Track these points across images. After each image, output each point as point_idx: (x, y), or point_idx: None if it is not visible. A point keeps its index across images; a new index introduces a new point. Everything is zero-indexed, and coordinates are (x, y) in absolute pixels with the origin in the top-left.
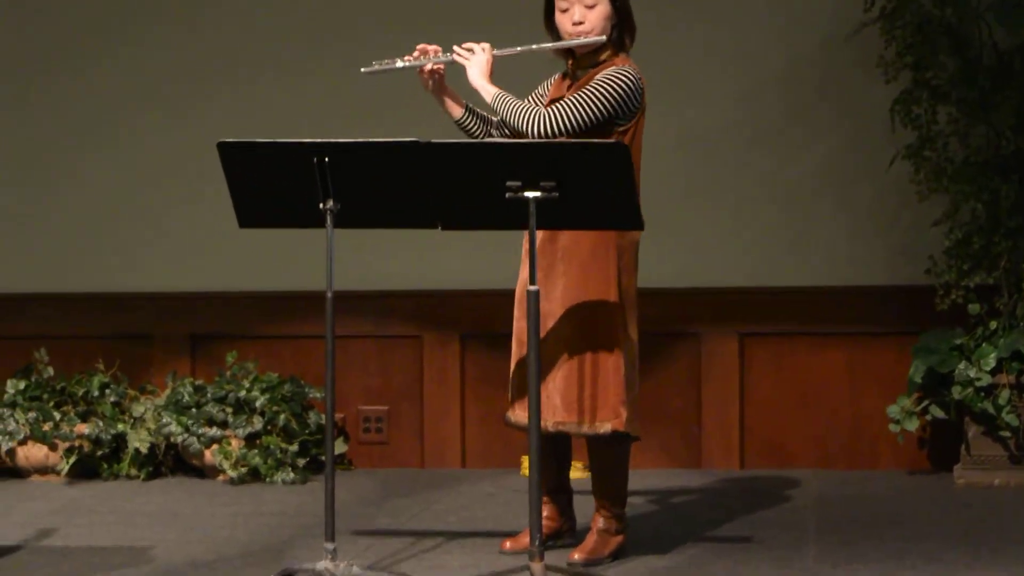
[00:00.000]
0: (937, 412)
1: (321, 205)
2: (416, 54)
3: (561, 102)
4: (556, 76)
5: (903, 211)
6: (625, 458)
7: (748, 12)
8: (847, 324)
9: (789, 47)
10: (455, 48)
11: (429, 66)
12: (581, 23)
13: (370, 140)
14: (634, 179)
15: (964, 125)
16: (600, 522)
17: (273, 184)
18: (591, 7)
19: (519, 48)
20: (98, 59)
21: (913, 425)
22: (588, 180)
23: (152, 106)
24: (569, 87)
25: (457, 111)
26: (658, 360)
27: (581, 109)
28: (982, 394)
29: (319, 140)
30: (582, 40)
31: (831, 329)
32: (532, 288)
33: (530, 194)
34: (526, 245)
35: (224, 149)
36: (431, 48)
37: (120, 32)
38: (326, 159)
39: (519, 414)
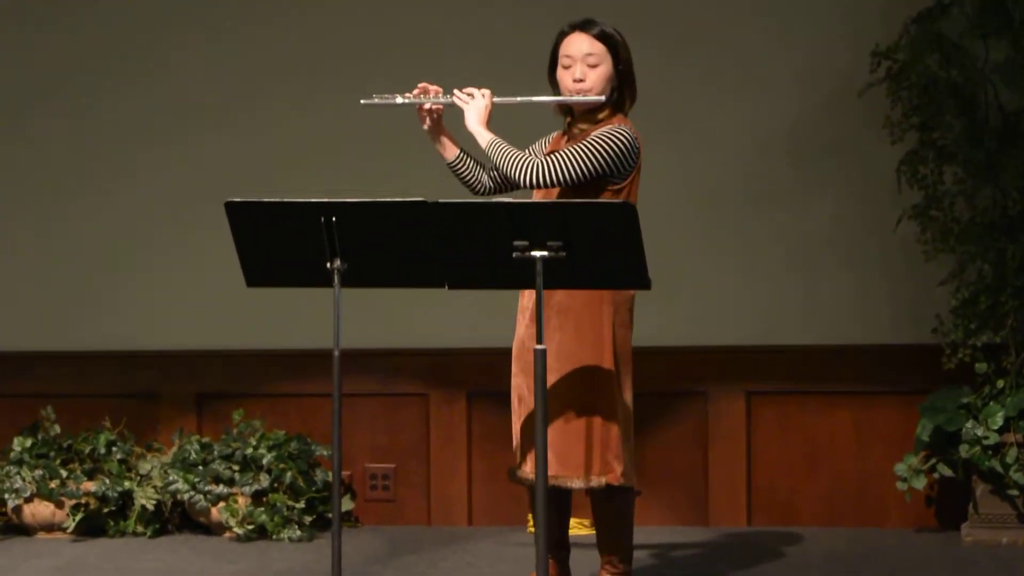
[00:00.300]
0: (945, 470)
1: (328, 264)
2: (416, 92)
3: (555, 154)
4: (555, 134)
5: (910, 270)
6: (628, 512)
7: (756, 69)
8: (854, 383)
9: (797, 105)
10: (455, 91)
11: (428, 105)
12: (582, 80)
13: (377, 200)
14: (641, 239)
15: (970, 185)
16: None
17: (280, 243)
18: (593, 67)
19: (519, 98)
20: (99, 108)
21: (921, 483)
22: (596, 240)
23: (159, 162)
24: (566, 144)
25: (451, 153)
26: (665, 418)
27: (574, 163)
28: (990, 452)
29: (326, 200)
30: (581, 99)
31: (838, 388)
32: (539, 347)
33: (537, 254)
34: (522, 302)
35: (231, 208)
36: (432, 88)
37: (116, 73)
38: (333, 218)
39: (523, 469)
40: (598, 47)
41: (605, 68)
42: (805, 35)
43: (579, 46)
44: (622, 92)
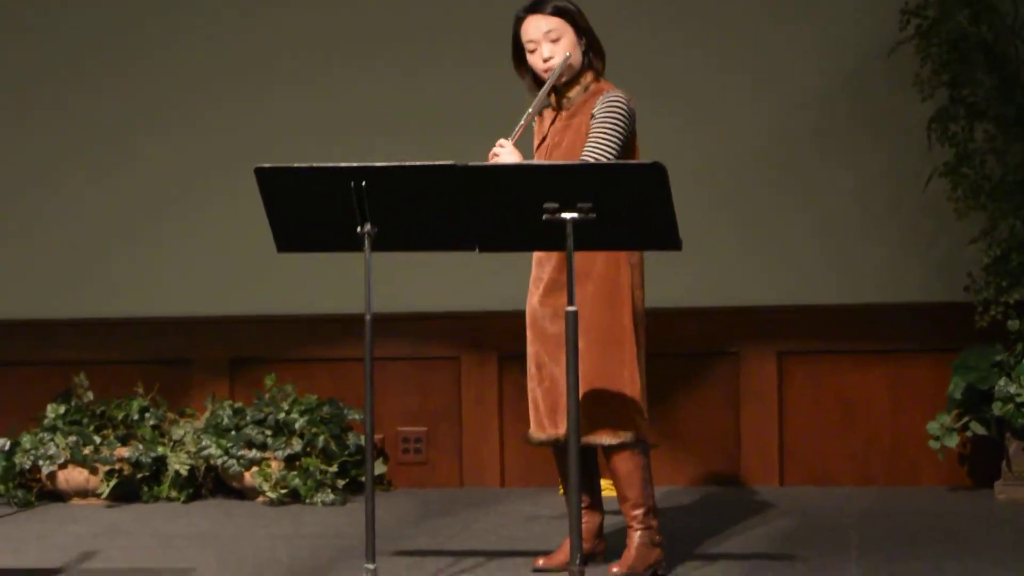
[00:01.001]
0: (977, 428)
1: (359, 229)
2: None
3: (585, 151)
4: (540, 116)
5: (941, 228)
6: (647, 466)
7: (789, 29)
8: (886, 342)
9: (826, 65)
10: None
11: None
12: (551, 57)
13: (407, 164)
14: (671, 199)
15: (1001, 142)
16: (636, 536)
17: (310, 208)
18: (556, 41)
19: (522, 121)
20: (127, 75)
21: (953, 442)
22: (626, 201)
23: (190, 126)
24: (554, 120)
25: None
26: (697, 378)
27: (607, 149)
28: (1023, 410)
29: (356, 164)
30: (557, 69)
31: (870, 347)
32: (571, 309)
33: (567, 215)
34: (534, 272)
35: (261, 174)
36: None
37: (131, 42)
38: (363, 183)
39: (548, 431)
40: (555, 21)
41: (568, 38)
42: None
43: (537, 26)
44: (591, 55)
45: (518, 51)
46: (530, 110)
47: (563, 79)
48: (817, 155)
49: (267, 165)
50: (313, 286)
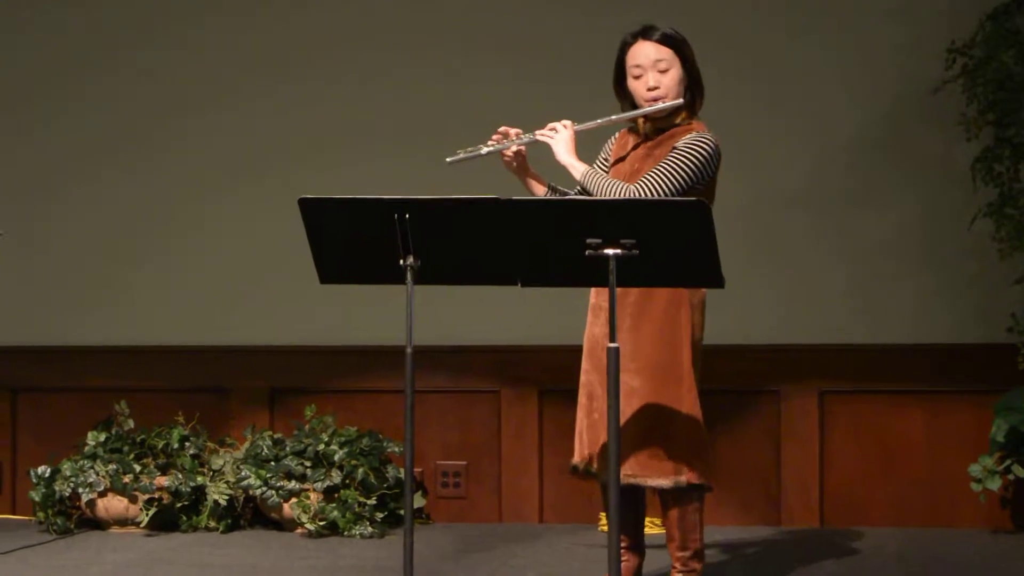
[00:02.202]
0: (1020, 471)
1: (401, 261)
2: (497, 137)
3: (648, 177)
4: (618, 133)
5: (985, 269)
6: (700, 511)
7: (837, 69)
8: (927, 382)
9: (872, 105)
10: (537, 131)
11: (513, 149)
12: (656, 88)
13: (451, 197)
14: (714, 237)
15: None
16: None
17: (354, 240)
18: (664, 72)
19: (600, 120)
20: (165, 74)
21: (995, 484)
22: (668, 238)
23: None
24: (635, 145)
25: (540, 190)
26: (738, 417)
27: (668, 181)
28: None
29: (400, 197)
30: (660, 106)
31: (911, 387)
32: (612, 345)
33: (610, 251)
34: (593, 299)
35: (305, 205)
36: (512, 131)
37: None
38: (407, 215)
39: (585, 462)
40: (665, 52)
41: (676, 71)
42: (869, 39)
43: (647, 54)
44: (693, 93)
45: (620, 74)
46: (613, 116)
47: (659, 114)
48: (857, 195)
49: (311, 196)
50: (355, 317)
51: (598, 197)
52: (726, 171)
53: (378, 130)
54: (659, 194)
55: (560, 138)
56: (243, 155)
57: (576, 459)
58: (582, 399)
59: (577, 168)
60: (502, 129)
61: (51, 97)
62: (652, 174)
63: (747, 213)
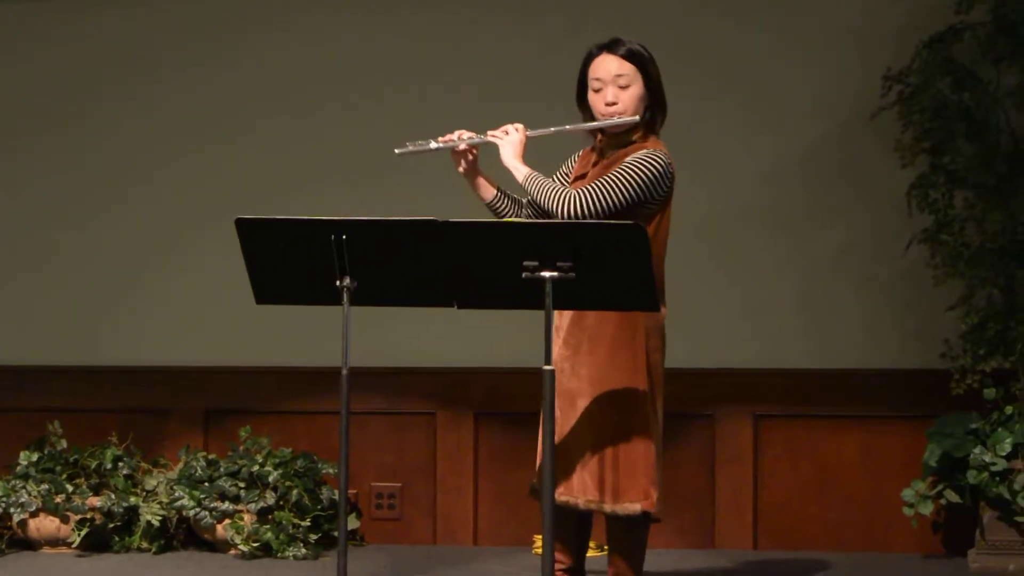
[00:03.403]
0: (952, 497)
1: (338, 282)
2: (448, 136)
3: (591, 185)
4: (582, 151)
5: (919, 295)
6: (644, 539)
7: (769, 95)
8: (862, 407)
9: (809, 130)
10: (489, 131)
11: (462, 147)
12: (614, 103)
13: (388, 219)
14: (651, 261)
15: (981, 210)
16: None
17: (290, 260)
18: (624, 88)
19: (552, 128)
20: (108, 123)
21: (928, 509)
22: (605, 261)
23: (169, 177)
24: (595, 163)
25: (489, 193)
26: (673, 440)
27: (611, 192)
28: (997, 479)
29: (337, 218)
30: (615, 120)
31: (846, 412)
32: (547, 368)
33: (547, 274)
34: (557, 320)
35: (242, 225)
36: (465, 133)
37: (120, 87)
38: (343, 236)
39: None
40: (627, 67)
41: (636, 88)
42: (818, 60)
43: (608, 68)
44: (653, 111)
45: (582, 87)
46: (567, 126)
47: (615, 130)
48: (799, 219)
49: (248, 216)
50: (291, 338)
51: (538, 200)
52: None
53: (362, 159)
54: (600, 203)
55: (509, 140)
56: (203, 192)
57: (536, 480)
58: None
59: (520, 171)
60: (456, 133)
61: None
62: (595, 184)
63: (688, 233)
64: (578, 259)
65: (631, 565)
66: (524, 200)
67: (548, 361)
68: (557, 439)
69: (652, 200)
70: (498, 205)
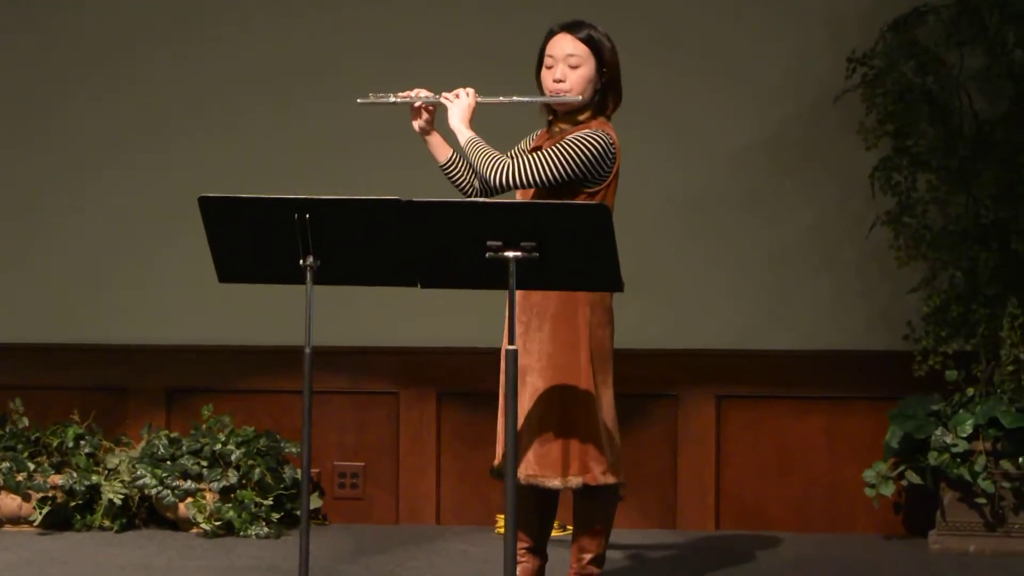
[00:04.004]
0: (913, 478)
1: (301, 261)
2: (407, 92)
3: (528, 156)
4: (540, 131)
5: (883, 277)
6: (609, 515)
7: (735, 74)
8: (825, 388)
9: (775, 111)
10: (443, 92)
11: (418, 104)
12: (561, 81)
13: (351, 198)
14: (614, 241)
15: (944, 193)
16: None
17: (254, 239)
18: (574, 68)
19: (502, 98)
20: (70, 106)
21: (889, 490)
22: (569, 241)
23: (129, 154)
24: (546, 145)
25: (443, 155)
26: (635, 421)
27: (547, 165)
28: (958, 460)
29: (300, 196)
30: (559, 98)
31: (809, 393)
32: (510, 348)
33: (510, 254)
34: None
35: (205, 203)
36: (423, 92)
37: (99, 75)
38: (307, 215)
39: (497, 464)
40: (581, 48)
41: (586, 70)
42: (785, 41)
43: (562, 47)
44: (605, 96)
45: (540, 62)
46: (515, 97)
47: (563, 108)
48: (764, 201)
49: (211, 195)
50: (254, 317)
51: (475, 166)
52: (628, 174)
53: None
54: (535, 175)
55: (458, 104)
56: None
57: (496, 462)
58: (500, 402)
59: (464, 134)
60: (415, 90)
61: None
62: (536, 155)
63: (653, 214)
64: (542, 239)
65: (593, 540)
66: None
67: (512, 341)
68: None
69: (589, 179)
70: (451, 169)
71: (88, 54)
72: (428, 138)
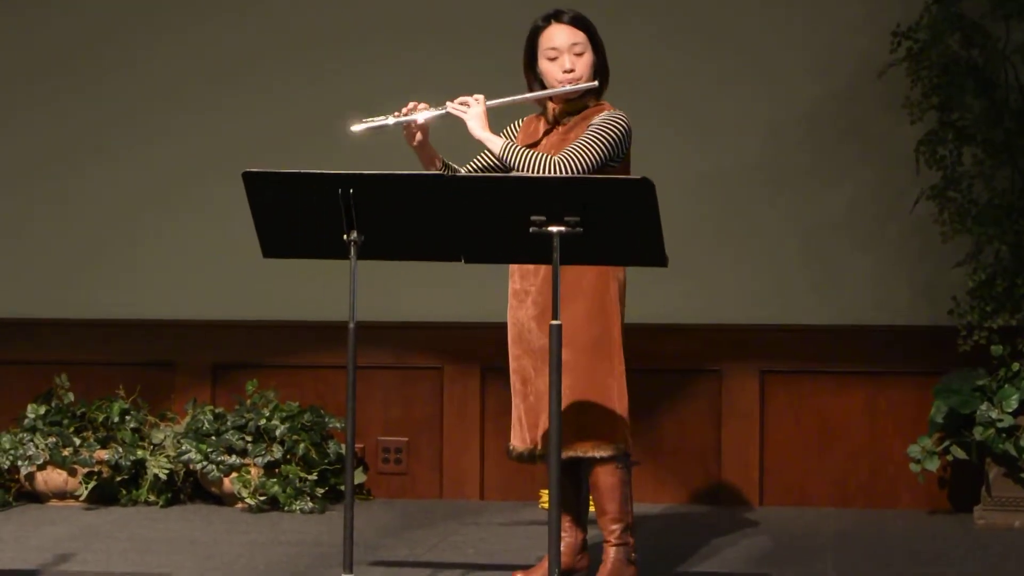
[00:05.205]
0: (958, 453)
1: (345, 236)
2: (406, 110)
3: (569, 149)
4: (525, 119)
5: (927, 251)
6: (628, 482)
7: (776, 51)
8: (869, 363)
9: (816, 86)
10: (449, 103)
11: (421, 120)
12: (572, 71)
13: (396, 173)
14: (659, 216)
15: (989, 167)
16: (612, 552)
17: (298, 214)
18: (580, 55)
19: (511, 98)
20: (117, 76)
21: (934, 465)
22: (613, 216)
23: (181, 130)
24: (548, 131)
25: (435, 165)
26: (679, 396)
27: (588, 154)
28: (1003, 435)
29: (345, 172)
30: (576, 87)
31: (853, 368)
32: (555, 323)
33: (554, 229)
34: (518, 285)
35: (249, 179)
36: (420, 105)
37: (125, 42)
38: (351, 191)
39: (526, 444)
40: (580, 36)
41: (589, 55)
42: (824, 17)
43: (563, 37)
44: (601, 78)
45: (531, 56)
46: (527, 94)
47: (571, 97)
48: (806, 176)
49: (255, 170)
50: (298, 292)
51: (520, 168)
52: (676, 150)
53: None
54: (581, 165)
55: (473, 113)
56: (211, 145)
57: (518, 444)
58: (516, 384)
59: (495, 142)
60: (411, 104)
61: None
62: (574, 146)
63: (695, 190)
64: (585, 214)
65: (618, 509)
66: (461, 172)
67: (556, 316)
68: (534, 398)
69: (615, 159)
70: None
71: (119, 21)
72: (424, 151)
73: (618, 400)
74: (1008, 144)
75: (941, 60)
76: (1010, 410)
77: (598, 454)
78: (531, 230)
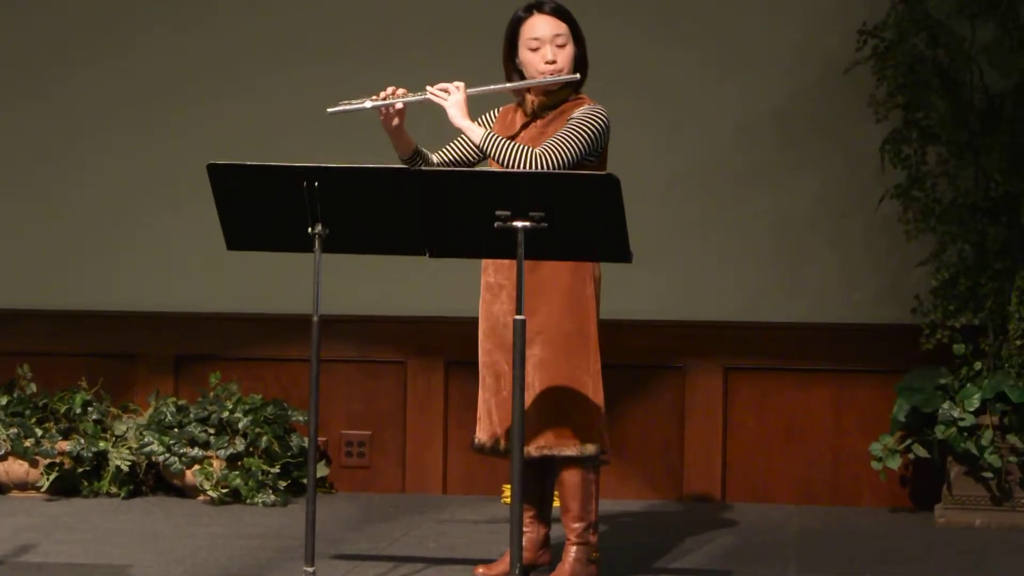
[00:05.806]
0: (920, 451)
1: (310, 229)
2: (384, 94)
3: (551, 142)
4: (501, 109)
5: (892, 250)
6: (595, 481)
7: (744, 47)
8: (832, 361)
9: (783, 83)
10: (429, 88)
11: (399, 105)
12: (554, 62)
13: (361, 166)
14: (623, 212)
15: (953, 166)
16: (572, 551)
17: (262, 207)
18: (562, 46)
19: (492, 86)
20: (90, 75)
21: (896, 463)
22: (578, 212)
23: (140, 122)
24: (526, 124)
25: (407, 149)
26: (643, 392)
27: (570, 147)
28: (965, 434)
29: (309, 165)
30: (558, 78)
31: (816, 365)
32: (519, 318)
33: (519, 224)
34: (491, 278)
35: (214, 171)
36: (399, 90)
37: (100, 43)
38: (316, 184)
39: (497, 441)
40: (563, 27)
41: (571, 47)
42: (793, 13)
43: (546, 28)
44: (582, 69)
45: (511, 48)
46: (508, 84)
47: (551, 88)
48: (772, 173)
49: (220, 162)
50: (262, 285)
51: (500, 159)
52: (642, 145)
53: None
54: (561, 157)
55: (453, 100)
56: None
57: (484, 437)
58: (487, 379)
59: (475, 131)
60: (390, 89)
61: None
62: (555, 139)
63: (661, 185)
64: (551, 209)
65: (581, 508)
66: (433, 159)
67: (520, 311)
68: (507, 393)
69: (593, 154)
70: (415, 162)
71: (96, 19)
72: (398, 136)
73: (594, 397)
74: (972, 144)
75: (907, 59)
76: (972, 409)
77: (571, 453)
78: (496, 225)
